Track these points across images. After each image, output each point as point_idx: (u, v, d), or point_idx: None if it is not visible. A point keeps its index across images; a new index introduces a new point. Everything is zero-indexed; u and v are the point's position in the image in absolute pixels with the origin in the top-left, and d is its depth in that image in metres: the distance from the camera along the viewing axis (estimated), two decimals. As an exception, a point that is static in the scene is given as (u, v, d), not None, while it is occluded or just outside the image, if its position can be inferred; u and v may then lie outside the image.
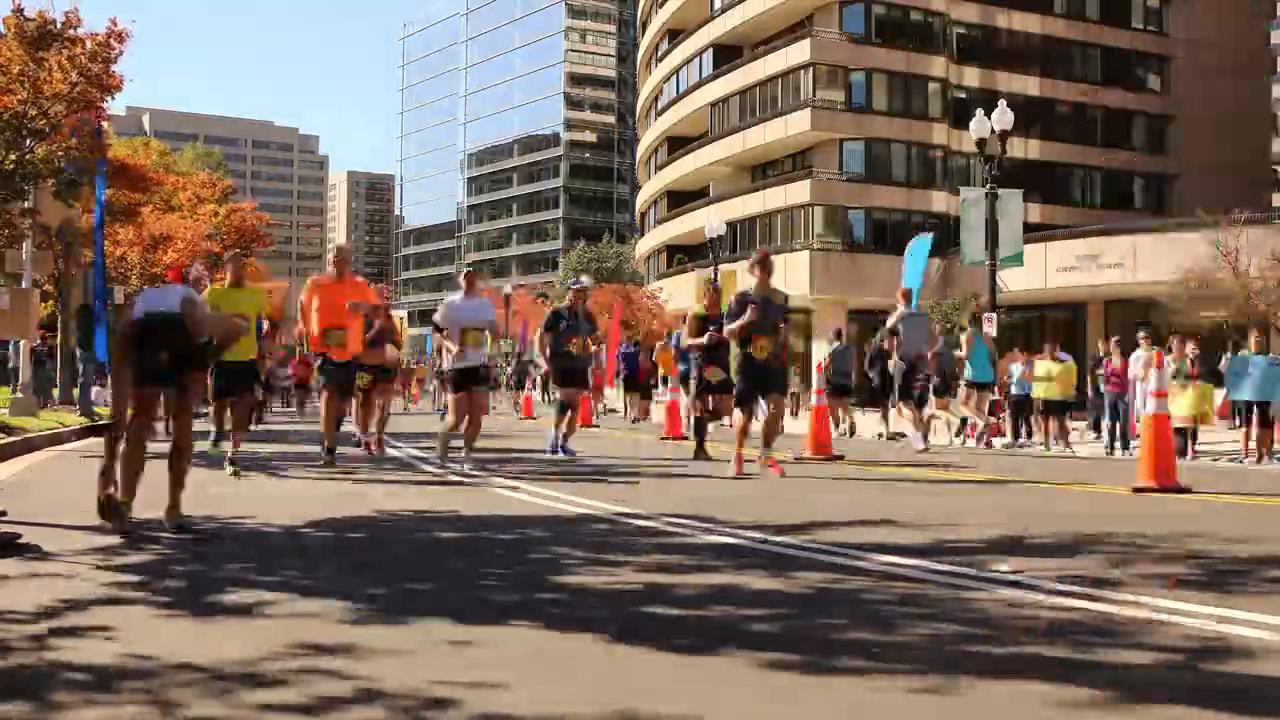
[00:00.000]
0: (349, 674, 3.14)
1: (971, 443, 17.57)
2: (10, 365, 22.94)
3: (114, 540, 5.80)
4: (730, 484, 9.44)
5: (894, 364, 15.30)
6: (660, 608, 4.17)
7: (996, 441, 17.94)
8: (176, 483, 6.33)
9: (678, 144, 57.99)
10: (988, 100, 29.51)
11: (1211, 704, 2.86)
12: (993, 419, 18.44)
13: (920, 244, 23.83)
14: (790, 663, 3.28)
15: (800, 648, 3.46)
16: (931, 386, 15.76)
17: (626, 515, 7.00)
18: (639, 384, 26.13)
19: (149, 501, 7.38)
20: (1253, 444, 14.41)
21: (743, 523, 6.45)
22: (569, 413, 12.74)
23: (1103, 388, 17.43)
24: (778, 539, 5.83)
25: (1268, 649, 3.47)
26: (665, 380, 26.89)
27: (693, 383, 12.73)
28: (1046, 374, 17.43)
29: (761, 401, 10.70)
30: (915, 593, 4.40)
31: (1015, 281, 32.72)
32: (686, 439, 17.23)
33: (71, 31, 17.10)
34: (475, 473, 10.05)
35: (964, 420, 18.20)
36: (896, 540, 5.77)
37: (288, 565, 5.18)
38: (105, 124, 22.89)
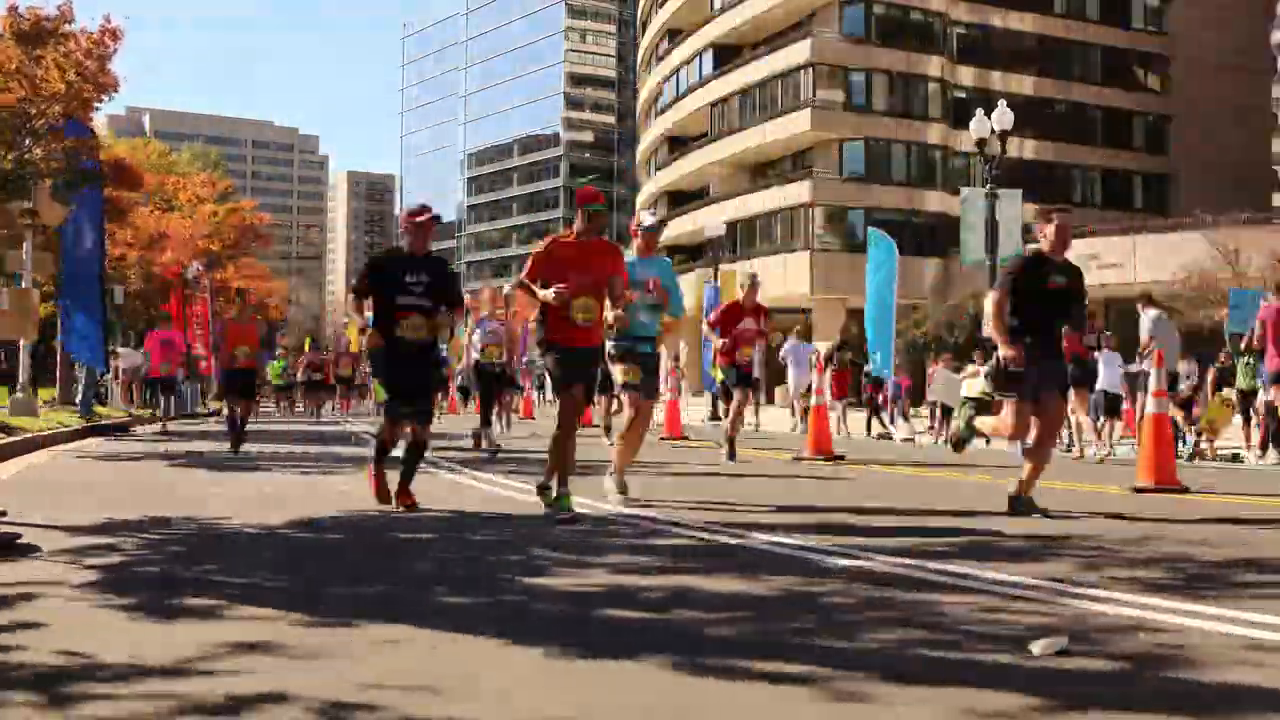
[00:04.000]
0: (269, 675, 3.11)
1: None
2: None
3: (103, 540, 5.78)
4: (719, 483, 9.42)
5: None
6: (620, 610, 4.11)
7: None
8: None
9: (678, 144, 58.00)
10: (987, 100, 29.51)
11: (1174, 710, 2.82)
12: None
13: (881, 245, 22.60)
14: (739, 669, 3.23)
15: (755, 652, 3.40)
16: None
17: (609, 515, 6.99)
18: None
19: (146, 501, 7.37)
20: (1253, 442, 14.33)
21: (723, 523, 6.41)
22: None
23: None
24: (758, 539, 5.80)
25: (1235, 654, 3.43)
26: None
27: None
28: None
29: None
30: (884, 595, 4.35)
31: (1015, 281, 32.65)
32: (686, 439, 17.33)
33: (66, 26, 17.06)
34: (462, 469, 10.11)
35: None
36: (876, 541, 5.72)
37: (256, 566, 5.14)
38: (95, 120, 22.79)
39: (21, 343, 18.90)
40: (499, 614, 4.04)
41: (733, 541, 5.75)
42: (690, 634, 3.73)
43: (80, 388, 19.85)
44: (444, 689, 3.01)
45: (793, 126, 47.28)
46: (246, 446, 13.63)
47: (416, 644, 3.54)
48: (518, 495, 8.17)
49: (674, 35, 58.49)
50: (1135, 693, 2.98)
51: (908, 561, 5.10)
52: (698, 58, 55.08)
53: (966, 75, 47.88)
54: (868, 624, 3.86)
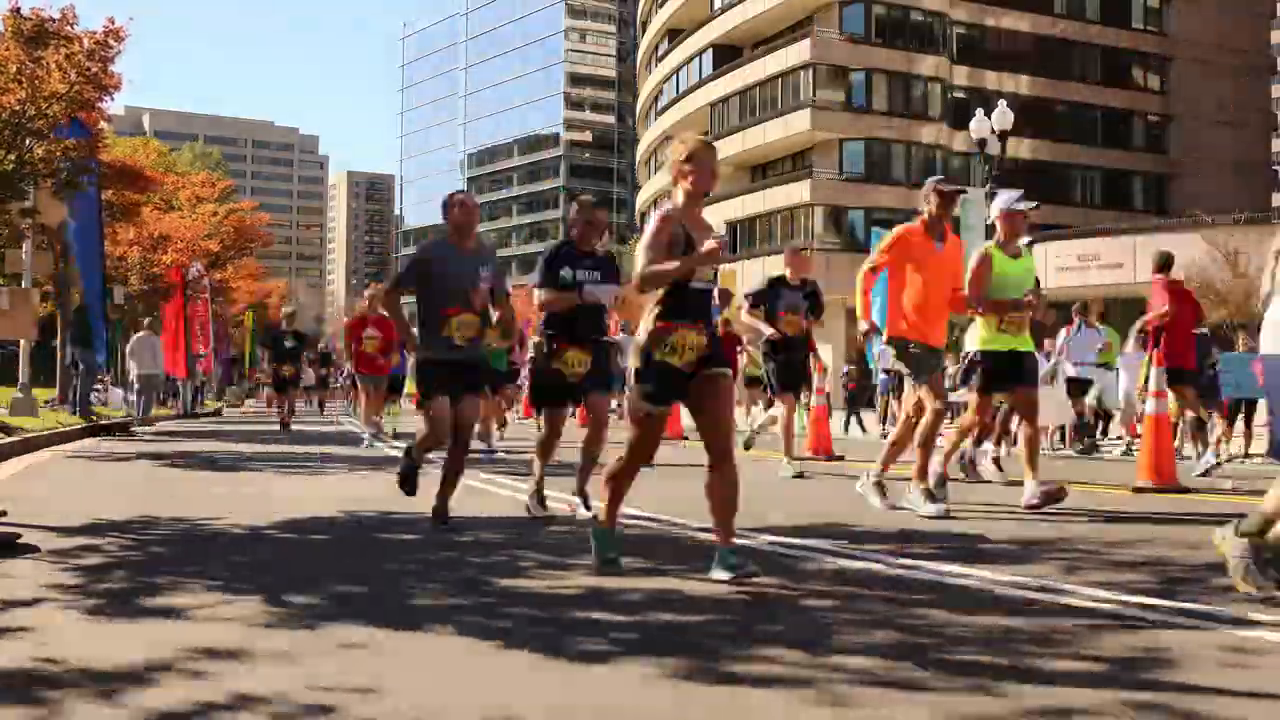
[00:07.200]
0: (229, 678, 3.12)
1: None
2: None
3: (95, 541, 5.78)
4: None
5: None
6: (596, 612, 4.08)
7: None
8: None
9: (678, 144, 57.94)
10: (987, 100, 29.52)
11: (1156, 713, 2.82)
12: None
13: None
14: (705, 672, 3.20)
15: (724, 656, 3.38)
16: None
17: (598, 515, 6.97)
18: None
19: (141, 501, 7.38)
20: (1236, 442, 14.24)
21: (708, 524, 6.38)
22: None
23: None
24: (740, 541, 5.76)
25: (1219, 655, 3.44)
26: None
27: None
28: None
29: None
30: (863, 598, 4.33)
31: (1014, 281, 32.65)
32: (687, 439, 17.25)
33: (69, 29, 17.03)
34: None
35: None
36: (861, 543, 5.70)
37: (234, 568, 5.12)
38: (104, 124, 22.85)
39: (22, 343, 18.89)
40: (473, 616, 4.02)
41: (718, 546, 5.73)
42: (668, 636, 3.72)
43: (78, 385, 19.81)
44: (397, 690, 3.01)
45: (793, 126, 47.28)
46: (242, 447, 13.67)
47: (383, 646, 3.53)
48: (513, 495, 8.16)
49: (674, 35, 58.47)
50: (1117, 695, 2.98)
51: (894, 561, 5.10)
52: (698, 58, 55.08)
53: (966, 75, 47.88)
54: (851, 625, 3.85)
